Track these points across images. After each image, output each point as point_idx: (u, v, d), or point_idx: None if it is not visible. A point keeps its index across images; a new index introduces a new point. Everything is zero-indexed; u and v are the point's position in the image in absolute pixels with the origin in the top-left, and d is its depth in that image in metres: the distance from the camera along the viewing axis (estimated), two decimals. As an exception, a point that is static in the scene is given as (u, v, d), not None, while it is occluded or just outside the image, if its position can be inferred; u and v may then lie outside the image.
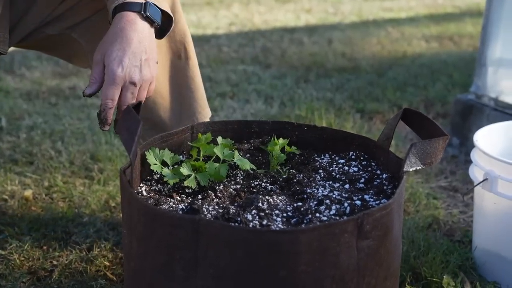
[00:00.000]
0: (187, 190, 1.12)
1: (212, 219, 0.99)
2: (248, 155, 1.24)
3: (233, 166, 1.20)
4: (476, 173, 1.46)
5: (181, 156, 1.22)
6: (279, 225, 0.99)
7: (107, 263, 1.46)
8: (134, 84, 1.16)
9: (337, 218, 1.00)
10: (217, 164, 1.15)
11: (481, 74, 2.10)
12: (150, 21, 1.18)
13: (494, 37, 2.05)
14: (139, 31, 1.16)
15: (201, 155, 1.19)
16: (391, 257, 1.00)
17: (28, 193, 1.78)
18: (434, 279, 1.40)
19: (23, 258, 1.47)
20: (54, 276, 1.40)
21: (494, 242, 1.44)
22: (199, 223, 0.90)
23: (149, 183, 1.14)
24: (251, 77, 3.00)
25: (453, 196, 1.88)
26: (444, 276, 1.40)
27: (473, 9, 4.86)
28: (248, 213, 1.01)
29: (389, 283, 1.01)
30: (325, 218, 1.00)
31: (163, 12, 1.22)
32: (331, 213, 1.02)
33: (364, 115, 2.50)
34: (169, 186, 1.13)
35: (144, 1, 1.18)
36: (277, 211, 1.03)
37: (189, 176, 1.12)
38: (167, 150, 1.17)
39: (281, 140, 1.23)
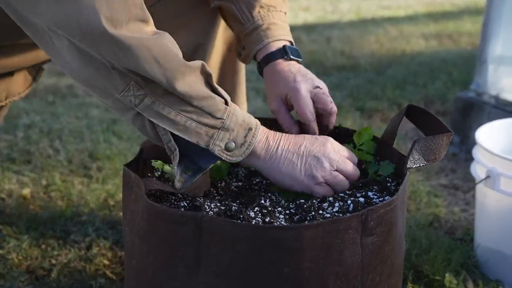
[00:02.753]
0: (188, 188, 1.11)
1: (215, 216, 0.97)
2: (250, 152, 1.23)
3: (234, 163, 1.19)
4: (478, 170, 1.45)
5: (182, 153, 1.21)
6: (282, 222, 0.98)
7: (107, 262, 1.44)
8: (318, 87, 1.21)
9: (341, 215, 0.98)
10: (219, 162, 1.14)
11: (482, 71, 2.10)
12: (296, 60, 1.24)
13: (495, 34, 2.04)
14: (293, 65, 1.22)
15: (202, 152, 1.18)
16: (395, 254, 0.99)
17: (26, 191, 1.76)
18: (436, 277, 1.39)
19: (21, 257, 1.45)
20: (53, 275, 1.39)
21: (497, 240, 1.43)
22: (201, 220, 0.89)
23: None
24: (250, 76, 2.98)
25: (454, 194, 1.87)
26: (446, 274, 1.39)
27: (471, 7, 4.86)
28: (251, 210, 1.00)
29: (393, 280, 1.00)
30: (328, 215, 0.99)
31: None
32: (334, 210, 1.00)
33: (363, 113, 2.50)
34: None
35: (282, 46, 1.24)
36: (279, 208, 1.02)
37: (190, 173, 1.10)
38: (168, 147, 1.15)
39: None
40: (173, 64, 0.94)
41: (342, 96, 2.68)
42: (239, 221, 0.96)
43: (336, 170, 1.05)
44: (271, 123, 1.28)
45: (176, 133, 0.97)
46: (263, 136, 1.04)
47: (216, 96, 0.99)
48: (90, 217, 1.64)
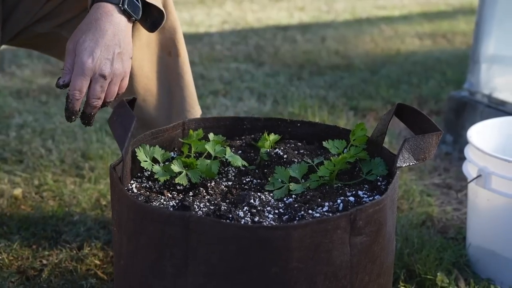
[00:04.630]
0: (178, 187, 1.11)
1: (203, 216, 0.97)
2: (240, 151, 1.23)
3: (225, 162, 1.18)
4: (470, 169, 1.45)
5: (172, 153, 1.21)
6: (271, 222, 0.98)
7: (98, 262, 1.44)
8: (104, 77, 1.14)
9: (330, 214, 0.98)
10: (209, 161, 1.14)
11: (475, 71, 2.10)
12: (128, 15, 1.16)
13: (487, 33, 2.04)
14: (115, 23, 1.15)
15: (193, 152, 1.18)
16: (384, 254, 0.99)
17: (17, 192, 1.75)
18: (428, 276, 1.39)
19: (12, 258, 1.45)
20: (44, 276, 1.38)
21: (488, 239, 1.43)
22: (189, 220, 0.88)
23: (140, 180, 1.12)
24: (244, 75, 2.99)
25: (447, 193, 1.87)
26: (438, 273, 1.39)
27: (466, 7, 4.86)
28: (240, 210, 1.00)
29: (382, 280, 0.99)
30: (317, 215, 0.98)
31: (153, 6, 1.20)
32: (324, 209, 1.00)
33: (357, 112, 2.49)
34: (160, 183, 1.11)
35: None
36: (269, 208, 1.02)
37: (180, 173, 1.10)
38: (158, 147, 1.15)
39: (271, 136, 1.22)
40: None
41: (336, 95, 2.67)
42: (227, 220, 0.95)
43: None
44: (265, 123, 1.28)
45: None
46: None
47: None
48: (82, 217, 1.64)
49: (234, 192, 1.10)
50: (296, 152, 1.20)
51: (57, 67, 3.04)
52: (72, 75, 1.13)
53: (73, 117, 1.16)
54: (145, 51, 1.37)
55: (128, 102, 1.10)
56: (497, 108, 2.01)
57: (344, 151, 1.16)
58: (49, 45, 1.44)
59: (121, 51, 1.15)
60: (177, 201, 1.05)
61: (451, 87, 2.72)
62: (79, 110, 1.17)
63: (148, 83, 1.40)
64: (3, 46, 1.37)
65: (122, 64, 1.16)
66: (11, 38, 1.36)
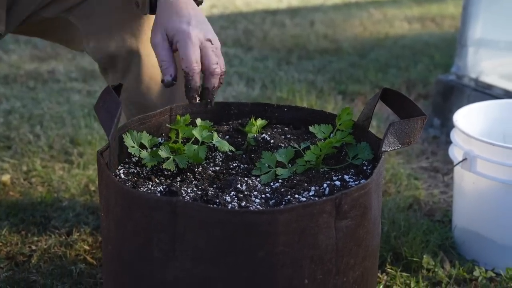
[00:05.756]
0: (165, 173, 1.11)
1: (190, 201, 0.98)
2: (227, 136, 1.23)
3: (212, 148, 1.19)
4: (456, 153, 1.47)
5: (159, 139, 1.21)
6: (258, 207, 0.98)
7: (87, 247, 1.45)
8: (210, 41, 1.11)
9: (316, 198, 0.99)
10: (196, 146, 1.14)
11: (462, 54, 2.11)
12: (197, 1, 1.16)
13: (475, 17, 2.05)
14: (191, 5, 1.13)
15: (180, 137, 1.18)
16: (370, 237, 1.00)
17: (6, 178, 1.75)
18: (414, 259, 1.41)
19: (0, 244, 1.45)
20: (33, 261, 1.39)
21: (473, 221, 1.45)
22: (176, 205, 0.89)
23: (127, 165, 1.12)
24: (232, 60, 2.98)
25: (434, 177, 1.89)
26: (424, 256, 1.41)
27: (455, -9, 4.86)
28: (227, 195, 1.01)
29: (368, 263, 1.01)
30: (304, 199, 0.99)
31: None
32: (310, 194, 1.01)
33: (345, 96, 2.50)
34: (147, 168, 1.11)
35: None
36: (255, 193, 1.03)
37: (167, 158, 1.10)
38: (145, 132, 1.15)
39: (259, 121, 1.22)
40: None
41: (325, 79, 2.68)
42: (214, 205, 0.96)
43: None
44: (252, 108, 1.28)
45: None
46: None
47: None
48: (71, 203, 1.64)
49: (222, 177, 1.10)
50: (283, 137, 1.21)
51: (44, 52, 3.02)
52: (181, 52, 1.08)
53: (196, 95, 1.13)
54: (148, 45, 1.36)
55: (113, 88, 1.10)
56: (484, 92, 2.02)
57: (331, 135, 1.17)
58: (55, 31, 1.41)
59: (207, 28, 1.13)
60: (164, 186, 1.05)
61: (439, 71, 2.73)
62: (200, 88, 1.13)
63: (154, 71, 1.39)
64: None
65: (215, 37, 1.13)
66: (17, 25, 1.33)
